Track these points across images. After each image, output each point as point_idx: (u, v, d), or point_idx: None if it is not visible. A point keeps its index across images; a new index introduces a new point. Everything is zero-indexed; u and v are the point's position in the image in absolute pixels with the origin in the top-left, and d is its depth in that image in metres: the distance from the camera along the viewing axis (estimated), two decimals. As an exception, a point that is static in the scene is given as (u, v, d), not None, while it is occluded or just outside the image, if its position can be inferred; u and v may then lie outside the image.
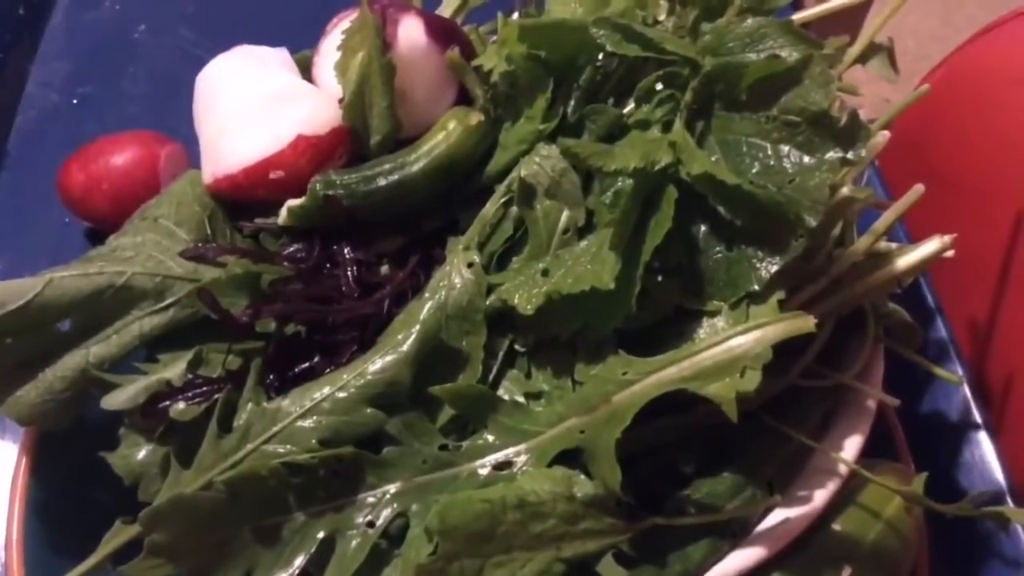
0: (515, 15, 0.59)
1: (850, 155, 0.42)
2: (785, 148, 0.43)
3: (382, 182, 0.53)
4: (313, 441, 0.45)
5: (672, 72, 0.47)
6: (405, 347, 0.46)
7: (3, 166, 0.77)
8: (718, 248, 0.44)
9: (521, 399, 0.47)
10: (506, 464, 0.45)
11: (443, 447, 0.45)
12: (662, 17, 0.53)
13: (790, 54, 0.44)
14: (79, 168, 0.68)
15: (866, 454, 0.48)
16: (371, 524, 0.44)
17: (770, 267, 0.43)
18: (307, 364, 0.49)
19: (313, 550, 0.43)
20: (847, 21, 0.60)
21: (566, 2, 0.55)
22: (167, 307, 0.51)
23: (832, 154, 0.42)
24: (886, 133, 0.49)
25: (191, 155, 0.64)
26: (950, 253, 0.48)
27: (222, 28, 0.75)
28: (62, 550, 0.50)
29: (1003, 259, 0.63)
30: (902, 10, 0.54)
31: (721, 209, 0.43)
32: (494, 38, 0.58)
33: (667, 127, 0.46)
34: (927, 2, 1.43)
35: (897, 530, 0.48)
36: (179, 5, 0.87)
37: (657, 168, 0.42)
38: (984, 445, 0.57)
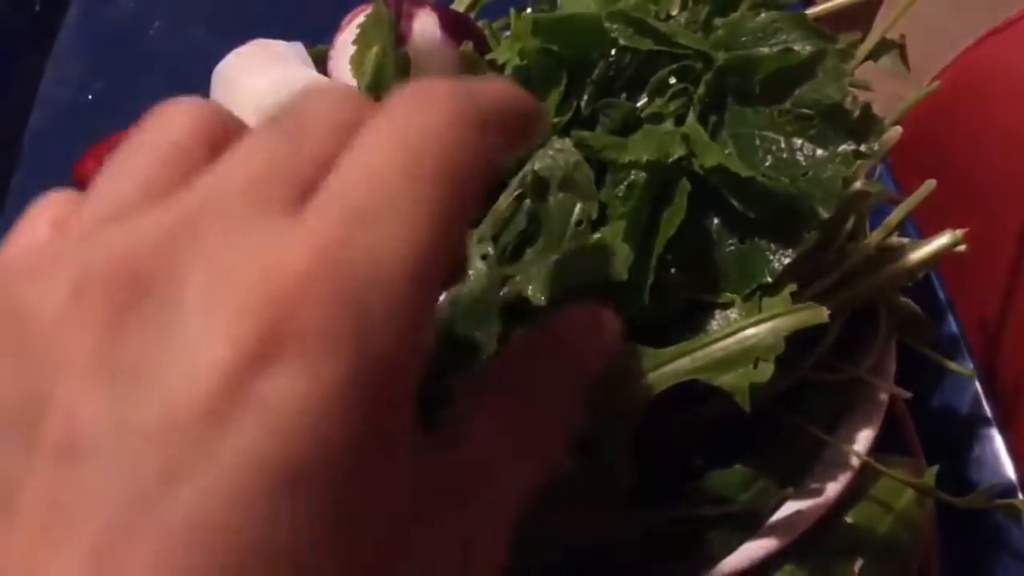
0: (528, 10, 0.60)
1: (863, 148, 0.43)
2: (798, 141, 0.43)
3: (396, 176, 0.53)
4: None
5: (685, 66, 0.47)
6: (419, 338, 0.46)
7: (18, 163, 0.78)
8: (731, 240, 0.44)
9: (534, 390, 0.47)
10: (519, 454, 0.45)
11: (457, 438, 0.46)
12: (675, 11, 0.53)
13: (803, 48, 0.44)
14: (94, 165, 0.68)
15: (878, 448, 0.48)
16: (386, 513, 0.44)
17: (783, 259, 0.43)
18: (322, 356, 0.49)
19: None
20: (858, 18, 0.60)
21: (580, -3, 0.55)
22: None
23: (845, 147, 0.43)
24: (899, 128, 0.50)
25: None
26: (962, 248, 0.49)
27: (237, 24, 0.75)
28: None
29: (1015, 254, 0.63)
30: (913, 8, 0.54)
31: (734, 202, 0.43)
32: (507, 33, 0.59)
33: (680, 120, 0.46)
34: (938, 0, 1.43)
35: (909, 523, 0.48)
36: (194, 2, 0.88)
37: (670, 161, 0.43)
38: (995, 439, 0.57)
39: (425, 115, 0.23)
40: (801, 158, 0.43)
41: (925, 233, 0.50)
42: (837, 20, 0.58)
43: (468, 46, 0.55)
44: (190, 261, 0.21)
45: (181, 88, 0.78)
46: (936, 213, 0.51)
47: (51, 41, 0.86)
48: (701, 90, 0.45)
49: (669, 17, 0.53)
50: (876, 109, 0.45)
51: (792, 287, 0.43)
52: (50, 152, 0.79)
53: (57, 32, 0.86)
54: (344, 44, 0.56)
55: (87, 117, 0.81)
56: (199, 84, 0.60)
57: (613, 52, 0.51)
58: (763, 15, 0.46)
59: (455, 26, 0.56)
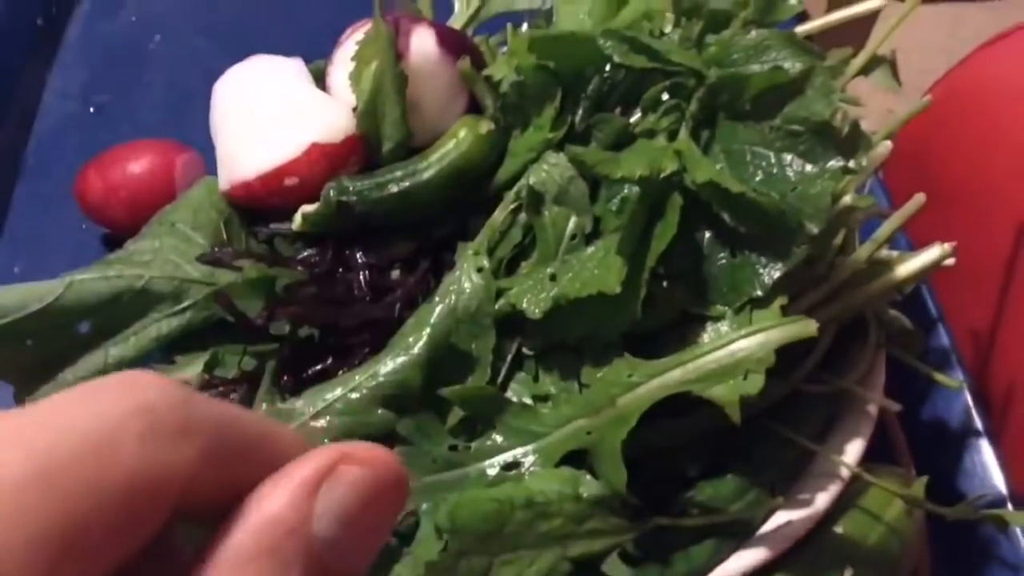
0: (524, 26, 0.61)
1: (851, 164, 0.43)
2: (788, 157, 0.44)
3: (394, 189, 0.54)
4: (326, 441, 0.45)
5: (678, 83, 0.48)
6: (416, 350, 0.47)
7: (22, 173, 0.79)
8: (722, 254, 0.45)
9: (529, 401, 0.47)
10: (514, 464, 0.45)
11: (452, 448, 0.46)
12: (668, 29, 0.54)
13: (793, 65, 0.45)
14: (97, 175, 0.69)
15: (868, 459, 0.49)
16: (382, 522, 0.45)
17: (773, 273, 0.44)
18: (320, 366, 0.50)
19: (325, 547, 0.44)
20: (854, 33, 0.61)
21: (575, 14, 0.56)
22: (184, 310, 0.52)
23: (834, 163, 0.43)
24: (888, 143, 0.50)
25: (207, 162, 0.65)
26: (951, 261, 0.49)
27: (237, 38, 0.76)
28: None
29: (1005, 268, 0.63)
30: (908, 24, 0.54)
31: (725, 216, 0.44)
32: (504, 49, 0.59)
33: (673, 136, 0.47)
34: (934, 16, 1.44)
35: (898, 533, 0.49)
36: (194, 16, 0.89)
37: (663, 176, 0.43)
38: (984, 451, 0.58)
39: (88, 408, 0.19)
40: (791, 174, 0.44)
41: (917, 245, 0.50)
42: (834, 34, 0.59)
43: (465, 62, 0.56)
44: None
45: (182, 100, 0.79)
46: (928, 224, 0.52)
47: (54, 54, 0.87)
48: (693, 106, 0.46)
49: (662, 34, 0.54)
50: (868, 123, 0.45)
51: (782, 300, 0.44)
52: (53, 162, 0.80)
53: (60, 45, 0.87)
54: (343, 59, 0.57)
55: (89, 128, 0.81)
56: (199, 96, 0.61)
57: (607, 68, 0.52)
58: (754, 33, 0.47)
59: (452, 42, 0.56)
